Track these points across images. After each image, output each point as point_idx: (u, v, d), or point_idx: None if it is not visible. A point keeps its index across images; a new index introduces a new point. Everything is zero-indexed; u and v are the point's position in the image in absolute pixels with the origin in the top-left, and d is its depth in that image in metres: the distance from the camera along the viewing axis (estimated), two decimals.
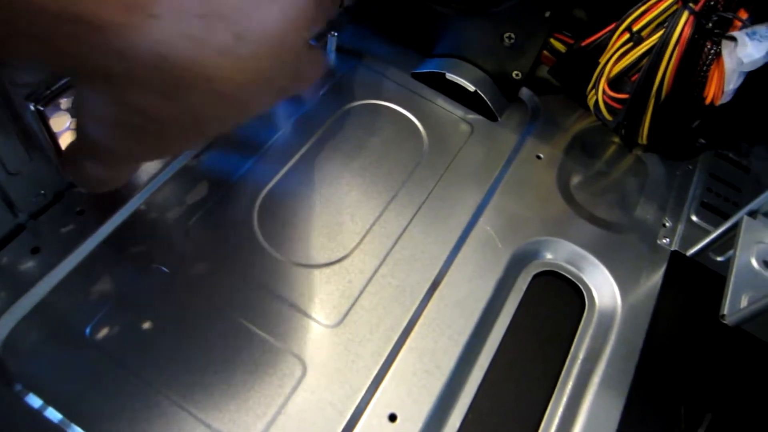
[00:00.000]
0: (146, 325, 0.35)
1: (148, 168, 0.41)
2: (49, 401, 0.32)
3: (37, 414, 0.31)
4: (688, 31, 0.40)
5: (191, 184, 0.42)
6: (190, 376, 0.34)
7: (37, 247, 0.36)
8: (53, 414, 0.31)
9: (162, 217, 0.40)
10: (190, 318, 0.36)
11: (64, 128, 0.35)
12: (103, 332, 0.34)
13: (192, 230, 0.39)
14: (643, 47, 0.43)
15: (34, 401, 0.32)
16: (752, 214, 0.41)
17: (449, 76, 0.50)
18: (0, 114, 0.31)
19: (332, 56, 0.52)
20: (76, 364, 0.33)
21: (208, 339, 0.35)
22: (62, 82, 0.34)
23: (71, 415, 0.31)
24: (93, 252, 0.37)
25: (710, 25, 0.40)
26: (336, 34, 0.51)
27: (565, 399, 0.38)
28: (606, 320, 0.42)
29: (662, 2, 0.41)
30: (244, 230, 0.40)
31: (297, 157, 0.45)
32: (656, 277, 0.44)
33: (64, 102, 0.34)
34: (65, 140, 0.36)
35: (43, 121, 0.33)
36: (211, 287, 0.37)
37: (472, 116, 0.50)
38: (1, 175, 0.33)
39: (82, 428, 0.31)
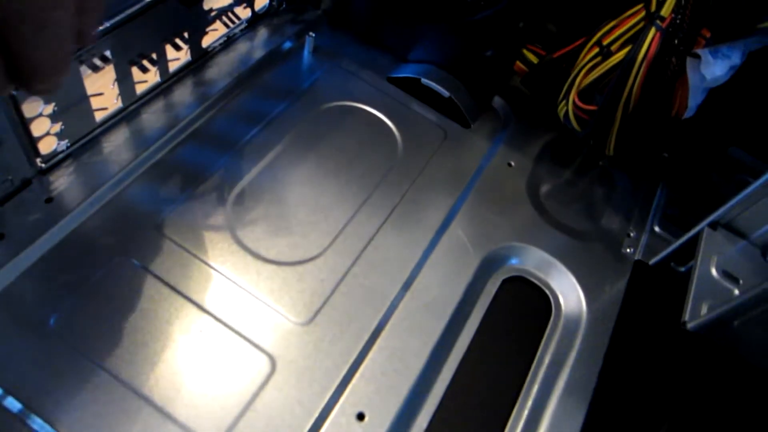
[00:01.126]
0: (113, 318, 0.34)
1: (120, 160, 0.40)
2: (9, 390, 0.31)
3: None
4: (655, 47, 0.42)
5: (164, 177, 0.41)
6: (157, 369, 0.33)
7: (2, 234, 0.35)
8: (13, 404, 0.30)
9: (134, 209, 0.39)
10: (159, 312, 0.35)
11: (36, 114, 0.35)
12: (68, 323, 0.33)
13: (164, 224, 0.39)
14: (612, 61, 0.44)
15: None
16: (713, 225, 0.43)
17: (424, 81, 0.51)
18: None
19: (308, 57, 0.52)
20: (38, 354, 0.32)
21: (177, 333, 0.35)
22: None
23: (32, 406, 0.30)
24: (61, 241, 0.36)
25: (676, 41, 0.42)
26: (313, 35, 0.51)
27: (530, 402, 0.39)
28: (571, 326, 0.43)
29: (631, 18, 0.43)
30: (217, 226, 0.40)
31: (271, 155, 0.45)
32: (620, 285, 0.45)
33: None
34: (37, 126, 0.35)
35: (15, 105, 0.33)
36: (181, 281, 0.37)
37: (446, 122, 0.51)
38: None
39: (43, 419, 0.30)
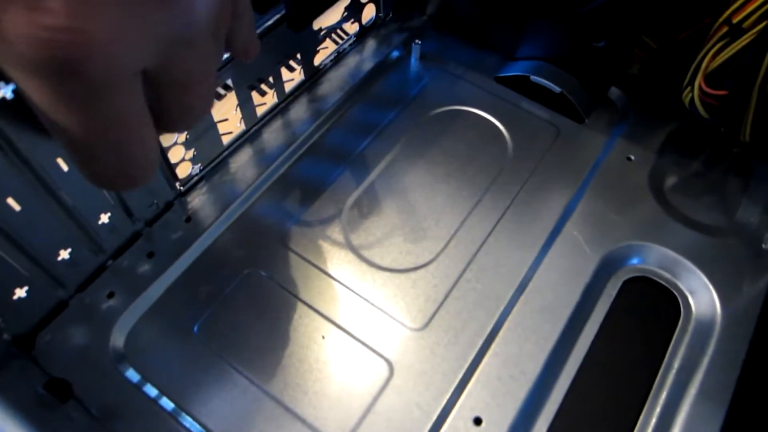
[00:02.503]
0: (246, 325, 0.38)
1: (246, 178, 0.44)
2: (163, 391, 0.35)
3: (153, 402, 0.35)
4: None
5: (285, 192, 0.44)
6: (286, 373, 0.36)
7: (151, 252, 0.40)
8: (167, 403, 0.35)
9: (260, 223, 0.43)
10: (285, 319, 0.38)
11: (172, 143, 0.39)
12: (209, 331, 0.37)
13: (286, 236, 0.42)
14: (744, 40, 0.40)
15: (151, 391, 0.35)
16: None
17: (534, 78, 0.50)
18: None
19: (416, 64, 0.53)
20: (186, 358, 0.36)
21: (302, 339, 0.38)
22: None
23: (182, 405, 0.35)
24: (199, 256, 0.40)
25: None
26: (419, 42, 0.52)
27: (658, 410, 0.37)
28: (704, 329, 0.40)
29: None
30: (334, 235, 0.42)
31: (383, 164, 0.46)
32: (761, 284, 0.41)
33: None
34: (174, 153, 0.40)
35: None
36: (304, 290, 0.40)
37: (558, 118, 0.49)
38: None
39: (193, 417, 0.34)
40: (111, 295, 0.38)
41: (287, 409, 0.35)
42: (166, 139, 0.39)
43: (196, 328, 0.37)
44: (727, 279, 0.41)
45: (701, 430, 0.36)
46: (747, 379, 0.37)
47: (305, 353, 0.37)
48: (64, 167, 0.31)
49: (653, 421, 0.37)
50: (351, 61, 0.52)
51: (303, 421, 0.35)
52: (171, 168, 0.40)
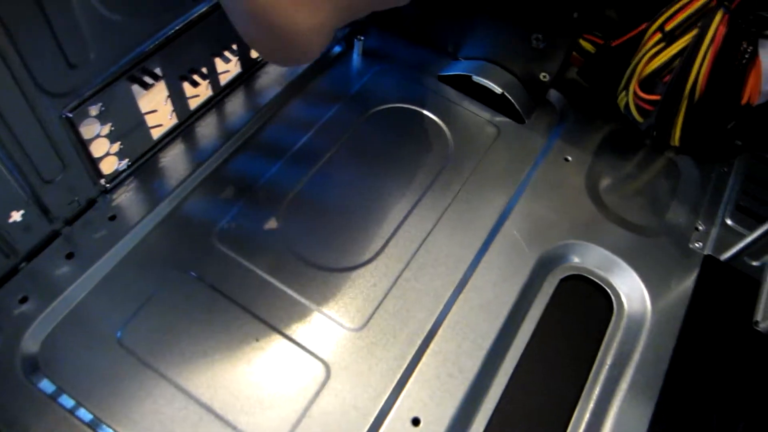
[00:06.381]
0: (175, 329, 0.36)
1: (178, 175, 0.42)
2: (81, 402, 0.33)
3: (69, 414, 0.32)
4: (722, 30, 0.39)
5: (219, 189, 0.43)
6: (217, 378, 0.35)
7: (71, 253, 0.37)
8: (85, 414, 0.33)
9: (191, 222, 0.41)
10: (217, 322, 0.37)
11: (94, 135, 0.36)
12: (133, 336, 0.35)
13: (219, 235, 0.40)
14: (675, 47, 0.42)
15: (67, 402, 0.33)
16: None
17: (476, 78, 0.50)
18: (31, 124, 0.32)
19: (358, 60, 0.52)
20: (107, 366, 0.34)
21: (235, 342, 0.36)
22: (90, 91, 0.35)
23: (102, 416, 0.32)
24: (124, 257, 0.38)
25: (746, 24, 0.39)
26: (362, 38, 0.51)
27: (591, 404, 0.38)
28: (635, 325, 0.41)
29: (696, 1, 0.40)
30: (270, 235, 0.41)
31: (322, 161, 0.45)
32: (688, 282, 0.43)
33: (93, 109, 0.35)
34: (96, 147, 0.37)
35: (73, 128, 0.34)
36: (237, 291, 0.38)
37: (499, 119, 0.50)
38: (36, 184, 0.34)
39: (113, 429, 0.32)
40: (24, 300, 0.35)
41: (217, 416, 0.33)
42: (88, 132, 0.36)
43: (119, 334, 0.35)
44: (657, 277, 0.42)
45: (632, 422, 0.36)
46: (674, 374, 0.39)
47: (237, 357, 0.36)
48: None
49: (587, 415, 0.37)
50: None
51: (234, 427, 0.33)
52: (94, 162, 0.37)
